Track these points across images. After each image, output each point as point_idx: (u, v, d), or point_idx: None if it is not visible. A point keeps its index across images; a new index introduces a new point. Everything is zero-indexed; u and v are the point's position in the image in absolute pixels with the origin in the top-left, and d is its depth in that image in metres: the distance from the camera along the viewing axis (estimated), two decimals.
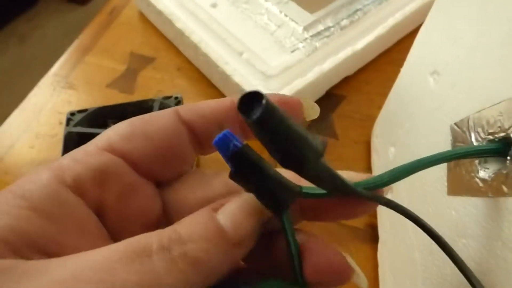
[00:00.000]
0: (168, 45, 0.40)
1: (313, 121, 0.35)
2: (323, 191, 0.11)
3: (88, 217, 0.10)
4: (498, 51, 0.15)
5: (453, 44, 0.18)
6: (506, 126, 0.13)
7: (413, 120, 0.22)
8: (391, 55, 0.39)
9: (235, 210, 0.10)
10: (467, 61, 0.17)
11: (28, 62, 1.18)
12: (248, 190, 0.11)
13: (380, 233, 0.26)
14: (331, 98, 0.36)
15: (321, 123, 0.35)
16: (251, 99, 0.08)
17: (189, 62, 0.38)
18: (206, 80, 0.37)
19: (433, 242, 0.17)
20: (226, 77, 0.33)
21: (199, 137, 0.12)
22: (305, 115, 0.12)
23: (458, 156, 0.13)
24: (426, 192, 0.19)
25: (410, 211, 0.12)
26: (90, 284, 0.08)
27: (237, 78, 0.32)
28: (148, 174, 0.11)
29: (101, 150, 0.11)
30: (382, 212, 0.27)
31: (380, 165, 0.28)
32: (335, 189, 0.11)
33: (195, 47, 0.35)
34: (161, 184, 0.12)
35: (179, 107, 0.12)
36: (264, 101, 0.08)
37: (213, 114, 0.11)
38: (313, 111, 0.12)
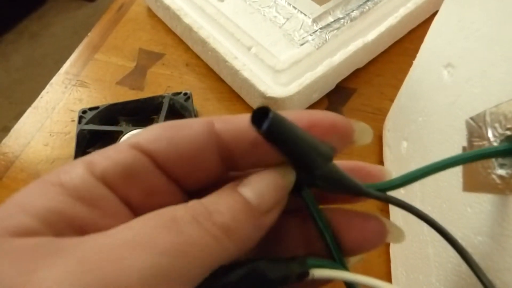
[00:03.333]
0: (176, 40, 0.40)
1: None
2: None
3: (120, 207, 0.11)
4: None
5: (469, 36, 0.17)
6: None
7: (427, 115, 0.21)
8: (402, 46, 0.38)
9: (257, 181, 0.10)
10: (484, 54, 0.16)
11: (39, 60, 1.20)
12: (281, 151, 0.11)
13: None
14: (341, 91, 0.35)
15: None
16: (262, 114, 0.09)
17: (197, 57, 0.38)
18: (215, 75, 0.37)
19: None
20: (235, 72, 0.33)
21: (231, 153, 0.11)
22: (356, 139, 0.11)
23: (473, 159, 0.13)
24: (440, 187, 0.18)
25: (424, 213, 0.12)
26: (128, 248, 0.08)
27: (246, 73, 0.32)
28: (174, 178, 0.11)
29: (130, 147, 0.11)
30: (395, 207, 0.26)
31: (393, 159, 0.28)
32: (348, 190, 0.11)
33: (203, 43, 0.35)
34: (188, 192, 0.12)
35: (214, 118, 0.11)
36: (270, 115, 0.09)
37: (248, 132, 0.11)
38: (366, 135, 0.12)
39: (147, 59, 0.39)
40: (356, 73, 0.36)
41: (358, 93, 0.36)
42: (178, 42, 0.40)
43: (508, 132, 0.13)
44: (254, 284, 0.10)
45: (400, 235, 0.12)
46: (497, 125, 0.14)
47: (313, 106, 0.34)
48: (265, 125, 0.09)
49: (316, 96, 0.34)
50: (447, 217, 0.18)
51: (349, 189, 0.11)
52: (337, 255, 0.12)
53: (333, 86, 0.35)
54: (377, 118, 0.33)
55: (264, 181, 0.10)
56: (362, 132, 0.12)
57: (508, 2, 0.16)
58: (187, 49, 0.39)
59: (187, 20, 0.36)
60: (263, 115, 0.09)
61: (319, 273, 0.11)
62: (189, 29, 0.36)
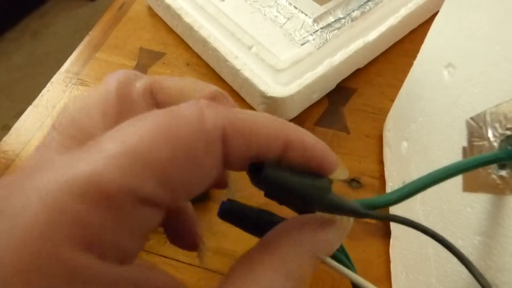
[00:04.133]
0: (177, 40, 0.40)
1: (323, 114, 0.35)
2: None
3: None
4: None
5: (470, 36, 0.17)
6: None
7: (427, 115, 0.21)
8: (403, 46, 0.38)
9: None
10: (484, 54, 0.16)
11: (41, 59, 1.20)
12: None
13: (392, 228, 0.26)
14: (342, 91, 0.35)
15: (332, 117, 0.34)
16: (259, 165, 0.10)
17: (198, 57, 0.38)
18: (215, 74, 0.37)
19: (451, 240, 0.17)
20: (235, 72, 0.33)
21: (233, 159, 0.10)
22: (334, 175, 0.12)
23: (473, 167, 0.13)
24: (440, 188, 0.18)
25: (428, 228, 0.13)
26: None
27: (246, 73, 0.32)
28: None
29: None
30: (394, 207, 0.26)
31: (393, 159, 0.28)
32: (347, 214, 0.11)
33: (204, 42, 0.35)
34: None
35: (227, 123, 0.09)
36: (265, 170, 0.10)
37: (263, 145, 0.09)
38: (342, 173, 0.12)
39: (148, 58, 0.39)
40: (356, 73, 0.36)
41: (359, 93, 0.35)
42: (179, 41, 0.40)
43: (508, 132, 0.13)
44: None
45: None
46: (497, 125, 0.14)
47: (313, 106, 0.34)
48: (264, 175, 0.09)
49: (316, 96, 0.34)
50: (447, 218, 0.18)
51: (348, 213, 0.11)
52: (347, 259, 0.12)
53: (334, 86, 0.35)
54: (377, 118, 0.33)
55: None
56: (341, 171, 0.12)
57: (509, 2, 0.16)
58: (188, 48, 0.39)
59: (187, 19, 0.36)
60: (260, 166, 0.10)
61: (329, 260, 0.11)
62: (189, 28, 0.36)
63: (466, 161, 0.13)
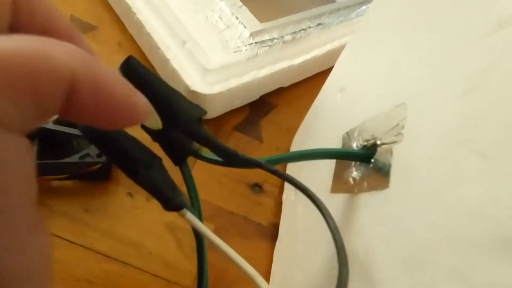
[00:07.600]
0: (113, 17, 0.39)
1: (242, 121, 0.37)
2: (218, 159, 0.13)
3: None
4: (384, 73, 0.17)
5: (356, 64, 0.21)
6: (375, 135, 0.15)
7: (322, 132, 0.24)
8: (325, 77, 0.43)
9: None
10: (363, 80, 0.19)
11: None
12: (154, 139, 0.12)
13: (280, 231, 0.28)
14: (263, 104, 0.38)
15: (250, 125, 0.36)
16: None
17: (131, 39, 0.38)
18: (146, 61, 0.37)
19: (316, 235, 0.19)
20: (165, 61, 0.33)
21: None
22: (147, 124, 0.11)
23: (330, 155, 0.16)
24: (315, 190, 0.21)
25: (297, 180, 0.14)
26: None
27: (175, 64, 0.32)
28: None
29: None
30: (285, 211, 0.29)
31: (293, 172, 0.30)
32: (224, 155, 0.12)
33: (140, 26, 0.35)
34: None
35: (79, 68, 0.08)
36: (130, 59, 0.11)
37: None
38: (155, 123, 0.11)
39: (77, 28, 0.37)
40: (280, 91, 0.39)
41: (278, 109, 0.38)
42: (115, 20, 0.39)
43: (365, 143, 0.16)
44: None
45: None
46: (360, 138, 0.17)
47: (235, 112, 0.36)
48: (123, 67, 0.11)
49: (238, 103, 0.36)
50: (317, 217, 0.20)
51: (225, 155, 0.12)
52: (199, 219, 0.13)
53: (257, 97, 0.37)
54: (290, 134, 0.36)
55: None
56: (154, 120, 0.11)
57: (377, 44, 0.19)
58: (123, 28, 0.38)
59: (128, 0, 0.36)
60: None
61: (189, 216, 0.12)
62: (128, 8, 0.36)
63: (331, 149, 0.16)
